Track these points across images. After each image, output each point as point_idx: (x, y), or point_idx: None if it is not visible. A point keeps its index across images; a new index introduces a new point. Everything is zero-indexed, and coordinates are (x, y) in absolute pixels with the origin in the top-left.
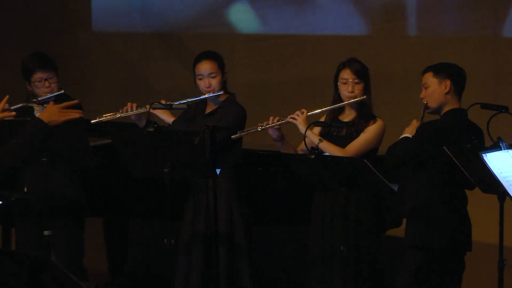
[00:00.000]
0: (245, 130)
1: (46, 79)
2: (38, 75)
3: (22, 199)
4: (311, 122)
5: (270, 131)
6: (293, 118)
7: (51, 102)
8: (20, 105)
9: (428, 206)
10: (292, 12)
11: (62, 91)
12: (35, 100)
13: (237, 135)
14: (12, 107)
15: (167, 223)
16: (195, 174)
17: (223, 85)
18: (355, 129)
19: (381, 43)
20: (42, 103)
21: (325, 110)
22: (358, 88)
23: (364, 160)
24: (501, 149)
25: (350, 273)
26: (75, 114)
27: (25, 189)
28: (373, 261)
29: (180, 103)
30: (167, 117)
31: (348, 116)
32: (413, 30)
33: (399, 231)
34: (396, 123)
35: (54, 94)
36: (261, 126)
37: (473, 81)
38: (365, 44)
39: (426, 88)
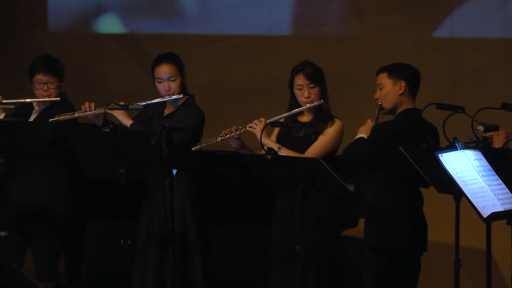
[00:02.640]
0: (204, 141)
1: (45, 83)
2: (39, 77)
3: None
4: (268, 122)
5: (231, 141)
6: (252, 127)
7: None
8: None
9: (384, 207)
10: (248, 12)
11: (59, 99)
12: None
13: (197, 146)
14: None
15: (123, 224)
16: (152, 175)
17: (182, 88)
18: (313, 131)
19: (338, 43)
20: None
21: (284, 117)
22: (314, 92)
23: (320, 160)
24: (457, 149)
25: (310, 273)
26: None
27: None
28: (332, 261)
29: (137, 104)
30: (125, 119)
31: (306, 119)
32: (369, 31)
33: (356, 231)
34: (355, 123)
35: (50, 99)
36: (221, 136)
37: (429, 81)
38: (322, 44)
39: (381, 88)
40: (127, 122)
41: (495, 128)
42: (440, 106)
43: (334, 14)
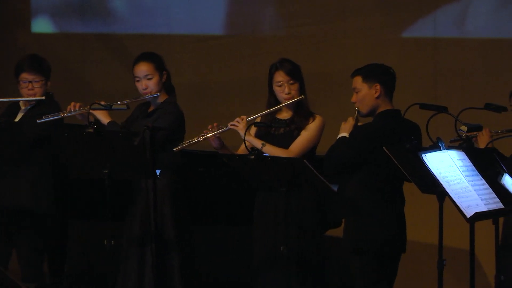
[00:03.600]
0: (186, 142)
1: (30, 81)
2: (24, 75)
3: None
4: (251, 123)
5: (211, 141)
6: (234, 125)
7: None
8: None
9: (363, 208)
10: (232, 12)
11: (43, 98)
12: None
13: (179, 147)
14: None
15: (107, 224)
16: (135, 175)
17: (163, 86)
18: (295, 127)
19: (321, 43)
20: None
21: (264, 114)
22: (294, 88)
23: (304, 160)
24: (440, 149)
25: (293, 274)
26: None
27: None
28: (314, 261)
29: (119, 104)
30: (104, 118)
31: (286, 115)
32: (352, 31)
33: (339, 231)
34: (338, 122)
35: (35, 98)
36: (202, 135)
37: (412, 81)
38: (306, 44)
39: (357, 92)
40: (105, 121)
41: (478, 128)
42: (424, 106)
43: (318, 14)
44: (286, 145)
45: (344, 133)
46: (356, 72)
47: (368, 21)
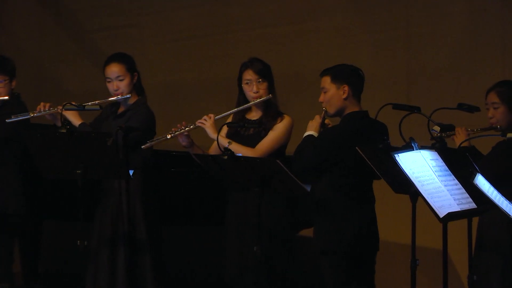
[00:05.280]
0: (154, 139)
1: None
2: None
3: None
4: (224, 123)
5: (180, 138)
6: (201, 123)
7: None
8: None
9: (333, 209)
10: (204, 13)
11: (7, 98)
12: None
13: (147, 144)
14: None
15: (80, 225)
16: (108, 175)
17: (133, 87)
18: (263, 127)
19: (294, 43)
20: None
21: (232, 112)
22: (263, 87)
23: (277, 160)
24: (413, 150)
25: (262, 273)
26: None
27: None
28: (285, 261)
29: (92, 104)
30: (75, 120)
31: (255, 115)
32: (325, 30)
33: (306, 231)
34: (305, 122)
35: None
36: (170, 133)
37: (385, 81)
38: (278, 44)
39: (325, 92)
40: (77, 122)
41: (451, 128)
42: (397, 107)
43: (290, 14)
44: (253, 146)
45: (310, 131)
46: (325, 72)
47: (340, 20)
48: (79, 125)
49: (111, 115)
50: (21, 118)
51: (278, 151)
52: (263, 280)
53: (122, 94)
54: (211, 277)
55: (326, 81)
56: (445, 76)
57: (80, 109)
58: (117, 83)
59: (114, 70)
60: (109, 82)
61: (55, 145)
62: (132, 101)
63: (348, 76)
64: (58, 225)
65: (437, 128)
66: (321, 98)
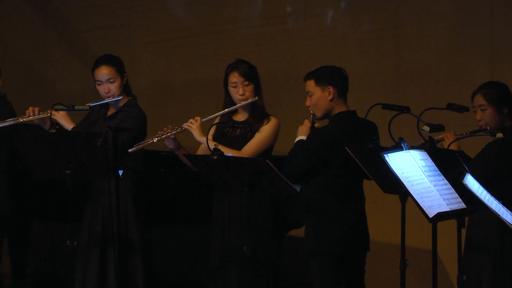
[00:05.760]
0: (141, 142)
1: None
2: None
3: None
4: (214, 123)
5: (167, 142)
6: (188, 126)
7: None
8: None
9: (323, 209)
10: (191, 13)
11: None
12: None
13: (134, 148)
14: None
15: (69, 225)
16: (98, 176)
17: (123, 89)
18: (250, 129)
19: (282, 43)
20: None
21: (219, 115)
22: (249, 89)
23: (267, 161)
24: (403, 149)
25: (249, 273)
26: None
27: None
28: (272, 261)
29: (82, 105)
30: (67, 124)
31: (241, 117)
32: (314, 30)
33: (301, 231)
34: (298, 123)
35: None
36: (157, 137)
37: (374, 81)
38: (266, 45)
39: (310, 96)
40: (69, 126)
41: (440, 128)
42: (386, 107)
43: (279, 14)
44: (239, 147)
45: (301, 137)
46: (308, 76)
47: (329, 20)
48: (72, 129)
49: (101, 118)
50: (9, 123)
51: (264, 153)
52: (248, 280)
53: (113, 96)
54: (200, 277)
55: (310, 84)
56: (435, 76)
57: (70, 109)
58: (108, 85)
59: (104, 72)
60: (99, 84)
61: (44, 145)
62: (122, 102)
63: (332, 77)
64: (46, 226)
65: (426, 128)
66: (308, 102)
